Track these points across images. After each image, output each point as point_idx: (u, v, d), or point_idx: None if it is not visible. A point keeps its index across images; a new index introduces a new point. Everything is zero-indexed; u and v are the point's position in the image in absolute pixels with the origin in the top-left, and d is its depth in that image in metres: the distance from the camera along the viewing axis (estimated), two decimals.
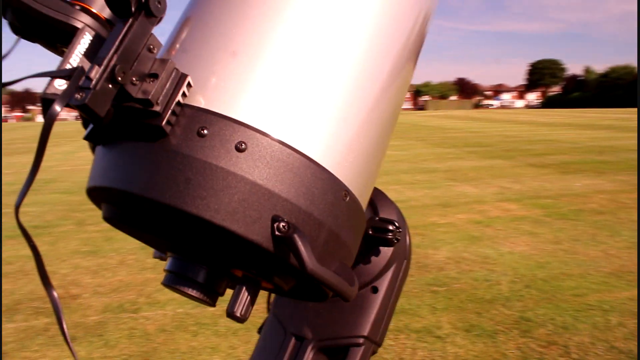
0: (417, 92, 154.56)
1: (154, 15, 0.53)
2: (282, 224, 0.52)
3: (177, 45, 0.59)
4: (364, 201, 0.63)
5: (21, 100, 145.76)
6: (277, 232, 0.51)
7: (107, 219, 0.58)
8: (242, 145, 0.52)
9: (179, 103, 0.53)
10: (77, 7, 0.71)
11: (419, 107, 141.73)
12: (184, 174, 0.51)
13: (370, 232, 0.73)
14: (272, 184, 0.53)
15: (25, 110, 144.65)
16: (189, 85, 0.54)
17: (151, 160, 0.52)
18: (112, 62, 0.50)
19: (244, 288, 0.57)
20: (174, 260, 0.58)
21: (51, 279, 0.57)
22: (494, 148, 16.97)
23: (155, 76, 0.52)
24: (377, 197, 0.81)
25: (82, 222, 7.89)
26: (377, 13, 0.60)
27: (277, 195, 0.53)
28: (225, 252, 0.54)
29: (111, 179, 0.54)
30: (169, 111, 0.52)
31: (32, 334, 4.08)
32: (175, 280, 0.57)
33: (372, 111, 0.61)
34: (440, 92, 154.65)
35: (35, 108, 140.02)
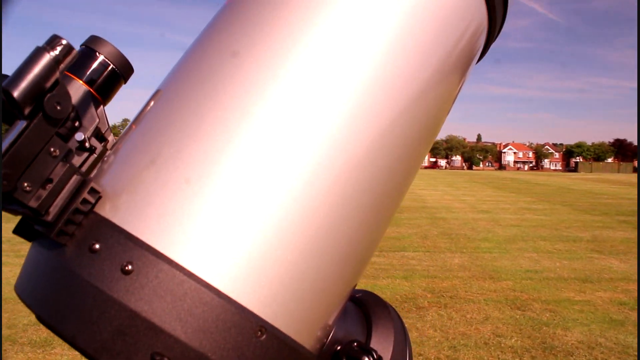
0: (568, 152, 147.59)
1: (52, 118, 0.50)
2: None
3: (110, 149, 0.57)
4: (308, 334, 0.56)
5: None
6: None
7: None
8: (128, 267, 0.47)
9: (78, 211, 0.50)
10: None
11: (570, 168, 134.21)
12: (69, 294, 0.47)
13: None
14: (156, 316, 0.46)
15: None
16: (94, 191, 0.51)
17: (45, 275, 0.50)
18: None
19: None
20: None
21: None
22: None
23: (50, 181, 0.49)
24: (375, 312, 0.74)
25: None
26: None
27: (160, 329, 0.46)
28: None
29: (18, 287, 0.53)
30: (62, 221, 0.49)
31: None
32: None
33: (307, 229, 0.54)
34: (595, 154, 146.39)
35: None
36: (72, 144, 0.55)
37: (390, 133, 0.62)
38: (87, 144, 0.57)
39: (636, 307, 6.04)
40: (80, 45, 0.66)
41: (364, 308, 0.79)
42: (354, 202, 0.58)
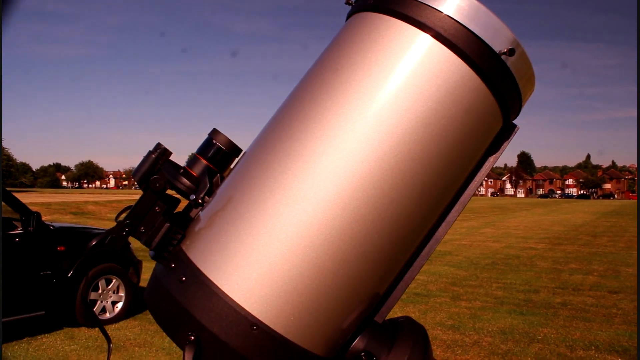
0: None
1: (155, 191, 1.04)
2: (191, 337, 0.93)
3: (203, 212, 1.06)
4: (306, 337, 0.94)
5: None
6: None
7: None
8: (183, 278, 0.97)
9: (168, 244, 1.02)
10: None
11: None
12: (157, 289, 1.06)
13: None
14: (194, 309, 0.94)
15: None
16: (178, 232, 1.02)
17: (151, 281, 1.10)
18: (126, 221, 1.03)
19: None
20: None
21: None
22: None
23: (155, 227, 1.02)
24: (402, 334, 1.06)
25: (458, 296, 8.68)
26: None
27: (194, 318, 0.94)
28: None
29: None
30: (159, 250, 1.02)
31: None
32: None
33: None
34: None
35: None
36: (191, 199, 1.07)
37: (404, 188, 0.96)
38: (199, 200, 1.05)
39: None
40: (208, 135, 1.12)
41: (398, 329, 1.08)
42: (360, 253, 0.95)
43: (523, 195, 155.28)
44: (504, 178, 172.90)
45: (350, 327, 1.03)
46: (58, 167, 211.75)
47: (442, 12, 0.95)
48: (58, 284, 6.25)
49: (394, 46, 0.97)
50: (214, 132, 1.11)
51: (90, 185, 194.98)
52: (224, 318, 0.92)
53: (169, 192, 1.11)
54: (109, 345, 1.08)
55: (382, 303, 1.11)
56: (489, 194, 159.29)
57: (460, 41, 0.94)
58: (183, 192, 1.07)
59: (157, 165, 1.06)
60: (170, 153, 1.08)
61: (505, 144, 1.13)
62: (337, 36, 1.08)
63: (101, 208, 28.94)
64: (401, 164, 0.94)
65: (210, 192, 1.06)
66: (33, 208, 6.37)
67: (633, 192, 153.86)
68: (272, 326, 0.92)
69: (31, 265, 6.10)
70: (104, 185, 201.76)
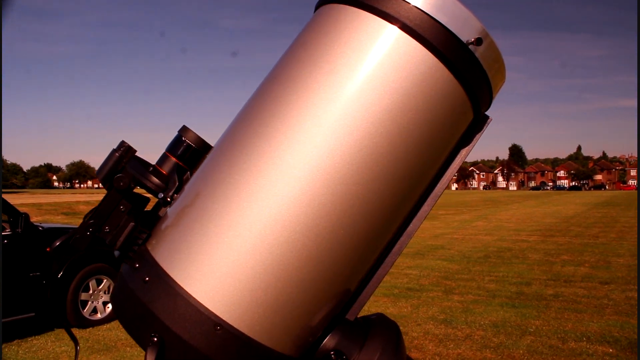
0: None
1: (119, 190, 1.02)
2: (154, 338, 0.91)
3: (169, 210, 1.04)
4: (274, 334, 0.93)
5: None
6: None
7: None
8: (147, 278, 0.96)
9: (133, 243, 1.01)
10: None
11: None
12: (121, 287, 1.04)
13: None
14: (157, 310, 0.93)
15: None
16: (143, 232, 1.01)
17: (119, 280, 1.08)
18: (90, 221, 1.02)
19: None
20: None
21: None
22: None
23: (117, 226, 1.02)
24: (374, 331, 1.04)
25: (450, 290, 8.69)
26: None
27: (157, 319, 0.92)
28: None
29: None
30: (125, 250, 1.01)
31: None
32: None
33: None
34: None
35: None
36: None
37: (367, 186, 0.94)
38: (168, 199, 1.04)
39: None
40: (177, 132, 1.11)
41: (370, 327, 1.06)
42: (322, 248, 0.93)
43: (515, 188, 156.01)
44: (495, 171, 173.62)
45: (320, 325, 1.01)
46: (49, 168, 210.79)
47: (408, 3, 0.94)
48: (47, 285, 6.22)
49: (359, 38, 0.95)
50: (184, 130, 1.10)
51: (82, 185, 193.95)
52: (187, 318, 0.91)
53: (140, 191, 1.10)
54: (76, 348, 1.08)
55: (353, 300, 1.10)
56: (482, 187, 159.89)
57: (426, 32, 0.93)
58: (152, 190, 1.05)
59: (121, 164, 1.04)
60: (135, 151, 1.07)
61: (477, 136, 1.12)
62: (303, 29, 1.05)
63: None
64: (367, 158, 0.92)
65: (179, 190, 1.05)
66: (24, 209, 6.33)
67: (624, 182, 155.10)
68: (235, 325, 0.91)
69: (20, 266, 6.05)
70: (96, 185, 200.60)
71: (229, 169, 0.96)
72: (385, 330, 1.05)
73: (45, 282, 6.21)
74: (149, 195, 1.08)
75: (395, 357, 1.01)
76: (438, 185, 1.11)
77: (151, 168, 1.07)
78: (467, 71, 0.97)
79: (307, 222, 0.91)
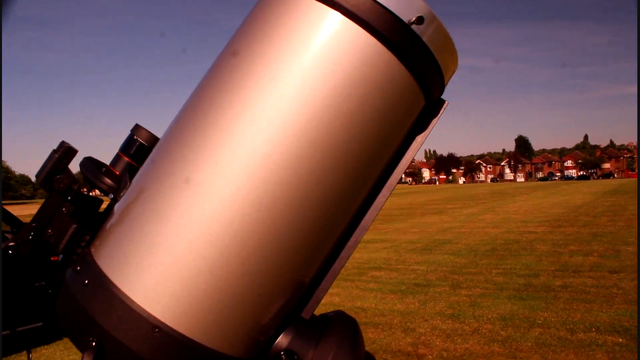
0: None
1: (60, 192, 0.99)
2: (93, 343, 0.89)
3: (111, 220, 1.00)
4: (216, 338, 0.90)
5: (446, 164, 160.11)
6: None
7: None
8: (86, 282, 0.94)
9: (76, 245, 0.98)
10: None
11: None
12: (64, 291, 1.01)
13: None
14: (96, 313, 0.91)
15: (448, 173, 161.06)
16: (86, 233, 0.99)
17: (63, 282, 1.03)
18: (32, 224, 0.98)
19: None
20: None
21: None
22: None
23: (60, 229, 0.98)
24: (331, 329, 1.00)
25: (458, 284, 8.67)
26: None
27: (96, 322, 0.90)
28: None
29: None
30: (67, 252, 0.98)
31: None
32: None
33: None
34: None
35: (458, 170, 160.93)
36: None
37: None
38: (118, 199, 1.00)
39: None
40: (130, 131, 1.09)
41: (327, 325, 1.03)
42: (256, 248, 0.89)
43: (523, 180, 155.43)
44: (502, 163, 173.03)
45: (271, 323, 0.98)
46: None
47: None
48: (54, 295, 6.25)
49: (294, 24, 0.91)
50: (136, 128, 1.08)
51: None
52: (125, 321, 0.88)
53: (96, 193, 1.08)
54: (82, 357, 1.07)
55: (309, 297, 1.06)
56: (489, 180, 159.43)
57: (364, 13, 0.89)
58: (104, 191, 1.03)
59: (61, 165, 1.01)
60: (76, 151, 1.04)
61: (433, 121, 1.08)
62: (246, 17, 1.01)
63: None
64: (309, 150, 0.89)
65: None
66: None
67: (632, 170, 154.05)
68: (174, 327, 0.87)
69: (26, 276, 6.08)
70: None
71: (168, 166, 0.94)
72: (341, 327, 1.01)
73: (51, 291, 6.23)
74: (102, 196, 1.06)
75: (352, 354, 0.97)
76: (393, 174, 1.07)
77: (104, 169, 1.05)
78: (412, 53, 0.93)
79: (244, 218, 0.88)
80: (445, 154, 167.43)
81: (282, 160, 0.89)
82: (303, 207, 0.91)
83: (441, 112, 1.08)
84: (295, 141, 0.89)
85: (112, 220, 0.99)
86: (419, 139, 1.07)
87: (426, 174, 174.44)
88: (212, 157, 0.90)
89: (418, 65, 0.94)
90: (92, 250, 0.97)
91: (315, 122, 0.89)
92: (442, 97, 1.09)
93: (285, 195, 0.89)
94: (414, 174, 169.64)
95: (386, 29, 0.90)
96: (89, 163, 1.05)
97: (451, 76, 1.08)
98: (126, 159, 1.06)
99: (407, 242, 13.88)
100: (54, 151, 1.02)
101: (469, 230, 16.34)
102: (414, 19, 0.90)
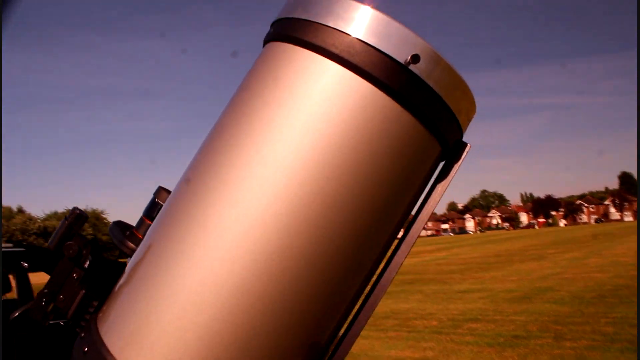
0: None
1: (71, 258, 1.00)
2: None
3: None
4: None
5: (544, 206, 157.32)
6: None
7: None
8: (85, 349, 0.94)
9: (84, 312, 1.00)
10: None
11: None
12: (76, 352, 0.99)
13: None
14: None
15: (547, 216, 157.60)
16: (90, 298, 1.00)
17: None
18: (45, 290, 1.00)
19: None
20: None
21: None
22: None
23: (69, 295, 1.00)
24: None
25: (561, 336, 8.27)
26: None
27: None
28: None
29: None
30: (76, 319, 0.99)
31: None
32: None
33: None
34: None
35: (558, 213, 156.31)
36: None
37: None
38: None
39: None
40: (153, 194, 1.10)
41: None
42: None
43: (631, 219, 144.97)
44: (606, 202, 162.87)
45: None
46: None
47: (334, 29, 0.87)
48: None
49: (289, 76, 0.89)
50: (158, 191, 1.09)
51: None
52: None
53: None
54: None
55: None
56: (593, 221, 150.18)
57: (356, 57, 0.85)
58: (128, 255, 1.04)
59: (72, 231, 1.03)
60: (87, 217, 1.06)
61: (455, 167, 0.99)
62: (251, 68, 1.00)
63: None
64: (310, 212, 0.84)
65: None
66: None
67: None
68: None
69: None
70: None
71: (167, 241, 0.93)
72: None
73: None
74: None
75: None
76: (412, 228, 0.99)
77: (128, 232, 1.07)
78: (413, 95, 0.87)
79: (236, 289, 0.84)
80: (542, 196, 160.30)
81: (286, 227, 0.85)
82: (313, 271, 0.87)
83: (463, 156, 1.00)
84: (298, 208, 0.85)
85: (119, 286, 0.99)
86: (439, 188, 0.99)
87: (524, 218, 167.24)
88: (209, 222, 0.88)
89: (424, 109, 0.88)
90: (100, 315, 0.97)
91: (320, 185, 0.86)
92: (464, 139, 1.02)
93: (294, 260, 0.86)
94: (511, 218, 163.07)
95: (378, 70, 0.85)
96: (115, 227, 1.08)
97: (471, 117, 1.02)
98: (149, 222, 1.07)
99: (504, 291, 13.29)
100: (66, 218, 1.05)
101: (572, 276, 15.36)
102: (409, 58, 0.85)
